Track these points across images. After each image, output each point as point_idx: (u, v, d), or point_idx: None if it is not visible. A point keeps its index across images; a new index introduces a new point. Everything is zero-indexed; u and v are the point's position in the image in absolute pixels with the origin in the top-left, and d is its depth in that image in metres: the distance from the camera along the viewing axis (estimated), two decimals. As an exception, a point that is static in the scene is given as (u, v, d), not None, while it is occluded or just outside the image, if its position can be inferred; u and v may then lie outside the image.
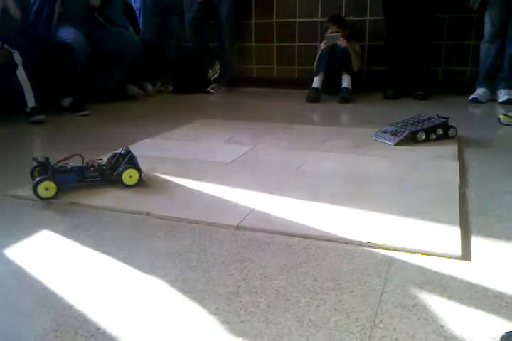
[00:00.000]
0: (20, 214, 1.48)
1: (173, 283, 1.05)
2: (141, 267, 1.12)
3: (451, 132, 2.28)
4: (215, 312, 0.93)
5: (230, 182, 1.70)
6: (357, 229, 1.29)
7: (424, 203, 1.47)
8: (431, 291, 1.00)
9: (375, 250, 1.18)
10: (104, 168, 1.71)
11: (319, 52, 3.76)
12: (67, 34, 3.31)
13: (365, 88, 3.87)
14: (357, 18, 3.95)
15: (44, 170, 1.66)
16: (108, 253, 1.20)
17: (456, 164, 1.86)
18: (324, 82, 3.68)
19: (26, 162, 1.81)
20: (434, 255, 1.15)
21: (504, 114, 2.62)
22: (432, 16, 3.51)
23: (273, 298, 0.98)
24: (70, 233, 1.33)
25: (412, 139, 2.20)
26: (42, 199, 1.56)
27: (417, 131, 2.20)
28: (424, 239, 1.22)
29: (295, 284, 1.03)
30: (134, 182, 1.68)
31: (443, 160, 1.93)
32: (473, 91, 3.47)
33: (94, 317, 0.93)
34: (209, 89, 4.16)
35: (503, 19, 3.27)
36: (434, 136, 2.24)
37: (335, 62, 3.61)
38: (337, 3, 3.97)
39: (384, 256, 1.16)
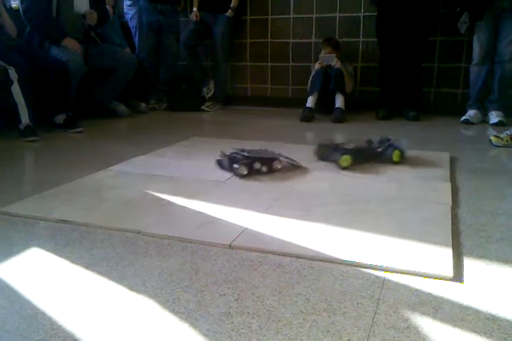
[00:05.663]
0: (10, 231, 1.47)
1: (165, 303, 1.04)
2: (132, 287, 1.11)
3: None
4: (206, 334, 0.92)
5: (223, 201, 1.70)
6: (350, 250, 1.28)
7: (416, 224, 1.47)
8: (423, 313, 0.99)
9: (368, 271, 1.18)
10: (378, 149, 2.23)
11: (313, 72, 3.81)
12: (63, 52, 3.33)
13: (358, 108, 3.91)
14: (350, 40, 4.01)
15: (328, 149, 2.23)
16: (98, 272, 1.19)
17: (448, 185, 1.88)
18: (318, 102, 3.71)
19: (17, 179, 1.81)
20: (426, 276, 1.15)
21: (495, 136, 2.65)
22: (424, 39, 3.58)
23: (265, 319, 0.97)
24: (60, 251, 1.32)
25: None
26: (343, 168, 2.10)
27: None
28: (417, 260, 1.22)
29: (287, 305, 1.02)
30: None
31: (435, 181, 1.94)
32: (464, 112, 3.52)
33: (84, 337, 0.91)
34: (203, 107, 4.19)
35: (491, 42, 3.34)
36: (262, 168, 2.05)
37: (328, 83, 3.65)
38: (331, 24, 4.04)
39: (377, 277, 1.15)
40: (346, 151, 2.17)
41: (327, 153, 2.24)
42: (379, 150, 2.23)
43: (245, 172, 1.99)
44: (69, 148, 2.79)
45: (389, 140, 2.28)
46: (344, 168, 2.12)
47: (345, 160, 2.12)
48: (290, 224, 1.48)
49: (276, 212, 1.59)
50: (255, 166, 2.02)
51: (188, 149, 2.60)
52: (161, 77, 4.27)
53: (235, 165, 2.01)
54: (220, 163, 2.13)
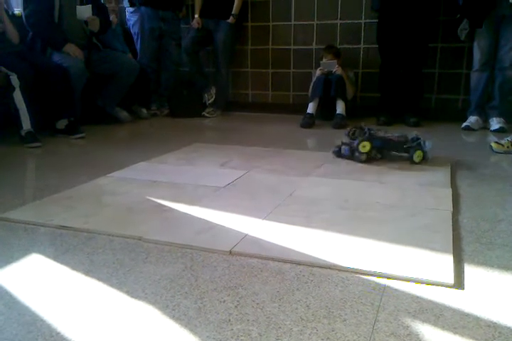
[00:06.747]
0: (11, 237, 1.47)
1: (164, 309, 1.03)
2: (131, 293, 1.11)
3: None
4: (205, 341, 0.92)
5: (224, 207, 1.70)
6: (350, 256, 1.28)
7: (417, 230, 1.47)
8: (424, 320, 0.99)
9: (369, 277, 1.18)
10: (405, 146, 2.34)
11: (314, 79, 3.81)
12: (64, 58, 3.34)
13: (359, 114, 3.91)
14: (351, 46, 4.03)
15: (362, 133, 2.36)
16: (98, 279, 1.18)
17: (449, 191, 1.87)
18: (319, 108, 3.72)
19: (18, 185, 1.80)
20: (427, 283, 1.15)
21: (496, 142, 2.65)
22: (424, 45, 3.59)
23: (265, 326, 0.97)
24: (60, 257, 1.31)
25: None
26: (361, 154, 2.30)
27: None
28: (418, 266, 1.22)
29: (287, 312, 1.02)
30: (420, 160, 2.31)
31: (436, 187, 1.93)
32: (465, 119, 3.52)
33: (83, 344, 0.91)
34: (204, 113, 4.19)
35: (491, 48, 3.34)
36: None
37: (329, 89, 3.65)
38: (332, 31, 4.05)
39: (377, 283, 1.15)
40: (369, 137, 2.35)
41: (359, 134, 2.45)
42: (405, 146, 2.37)
43: (365, 158, 2.33)
44: (70, 153, 2.80)
45: (418, 139, 2.38)
46: (363, 154, 2.32)
47: (365, 146, 2.32)
48: (291, 230, 1.48)
49: (277, 218, 1.59)
50: (372, 154, 2.35)
51: (190, 155, 2.60)
52: (163, 83, 4.29)
53: (357, 154, 2.34)
54: (338, 152, 2.45)
